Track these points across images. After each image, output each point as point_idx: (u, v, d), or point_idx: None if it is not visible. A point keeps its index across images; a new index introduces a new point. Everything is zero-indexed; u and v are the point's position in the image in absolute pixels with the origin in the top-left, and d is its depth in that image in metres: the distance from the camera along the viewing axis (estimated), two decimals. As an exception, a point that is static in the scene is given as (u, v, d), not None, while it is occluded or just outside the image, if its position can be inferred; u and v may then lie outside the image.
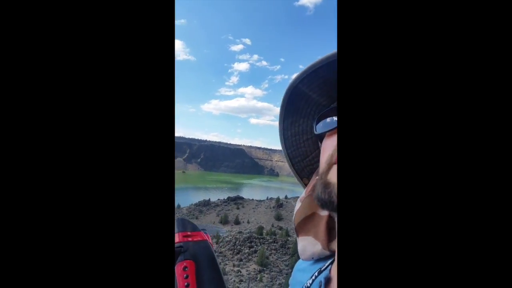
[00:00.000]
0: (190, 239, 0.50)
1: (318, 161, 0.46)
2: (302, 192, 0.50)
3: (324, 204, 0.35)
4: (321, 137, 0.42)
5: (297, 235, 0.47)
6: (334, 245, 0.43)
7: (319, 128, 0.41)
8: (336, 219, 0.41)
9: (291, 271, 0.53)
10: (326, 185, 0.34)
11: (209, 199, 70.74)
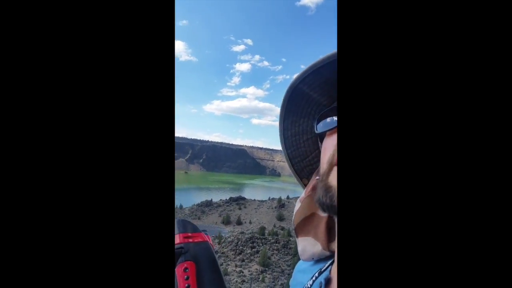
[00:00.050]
0: (190, 240, 0.50)
1: (318, 161, 0.47)
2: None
3: (325, 208, 0.35)
4: (321, 137, 0.42)
5: (297, 236, 0.47)
6: (334, 246, 0.42)
7: (320, 127, 0.40)
8: (336, 219, 0.40)
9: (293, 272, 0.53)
10: (328, 188, 0.34)
11: (211, 199, 70.75)
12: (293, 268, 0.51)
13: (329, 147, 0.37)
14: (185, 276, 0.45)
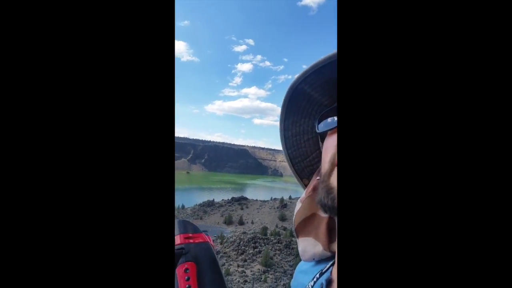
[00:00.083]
0: (191, 241, 0.51)
1: (318, 161, 0.47)
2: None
3: (327, 210, 0.35)
4: (322, 137, 0.42)
5: (298, 236, 0.47)
6: (335, 246, 0.42)
7: (321, 127, 0.41)
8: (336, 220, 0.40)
9: None
10: (329, 190, 0.34)
11: (213, 199, 70.86)
12: (295, 269, 0.51)
13: (330, 147, 0.37)
14: (186, 277, 0.46)
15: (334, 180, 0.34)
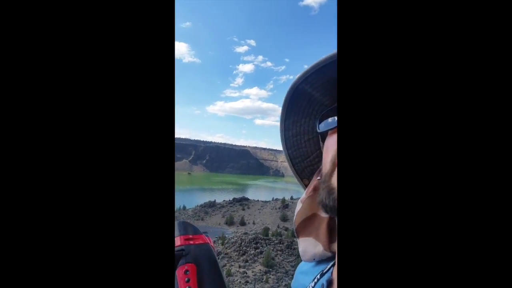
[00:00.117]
0: (191, 242, 0.50)
1: (318, 161, 0.47)
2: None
3: (328, 210, 0.35)
4: (323, 136, 0.42)
5: (298, 237, 0.47)
6: (335, 246, 0.42)
7: (322, 127, 0.40)
8: None
9: None
10: (331, 190, 0.34)
11: (215, 200, 70.84)
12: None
13: (331, 147, 0.37)
14: (186, 279, 0.45)
15: (335, 181, 0.33)
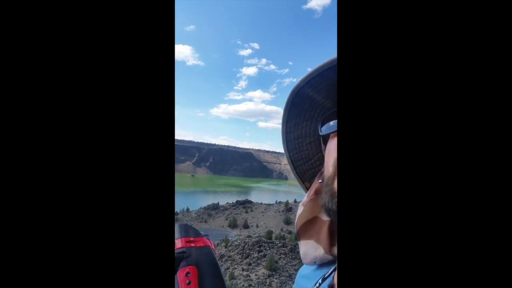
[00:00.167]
0: (192, 244, 0.50)
1: (320, 164, 0.46)
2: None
3: (331, 214, 0.35)
4: (325, 139, 0.42)
5: (299, 239, 0.47)
6: (336, 250, 0.42)
7: (324, 129, 0.40)
8: None
9: None
10: (333, 194, 0.34)
11: (218, 202, 70.75)
12: (298, 273, 0.47)
13: (333, 150, 0.36)
14: (187, 281, 0.45)
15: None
